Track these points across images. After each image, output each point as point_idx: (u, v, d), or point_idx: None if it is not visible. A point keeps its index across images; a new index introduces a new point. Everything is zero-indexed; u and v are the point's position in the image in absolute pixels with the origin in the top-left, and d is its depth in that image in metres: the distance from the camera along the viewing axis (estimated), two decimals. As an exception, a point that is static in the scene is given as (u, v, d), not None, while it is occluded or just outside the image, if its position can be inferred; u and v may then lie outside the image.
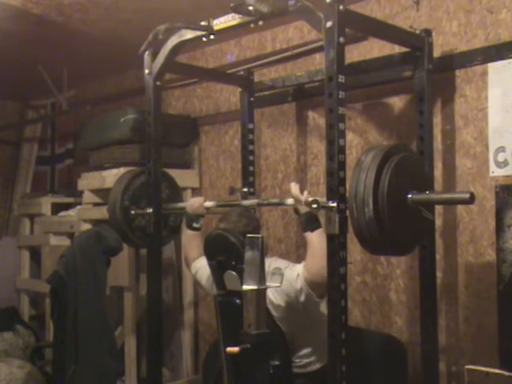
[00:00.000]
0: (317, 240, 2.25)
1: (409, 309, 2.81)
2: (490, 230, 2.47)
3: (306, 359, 2.47)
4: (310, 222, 2.29)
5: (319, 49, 3.04)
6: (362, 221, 1.93)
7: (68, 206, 4.24)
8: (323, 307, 2.40)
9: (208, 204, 2.84)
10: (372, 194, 1.91)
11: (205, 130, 3.84)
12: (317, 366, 2.47)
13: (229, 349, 2.12)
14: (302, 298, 2.32)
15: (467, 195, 1.97)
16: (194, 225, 2.85)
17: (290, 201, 2.39)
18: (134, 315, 3.50)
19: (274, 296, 2.36)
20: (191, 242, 2.87)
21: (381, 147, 2.03)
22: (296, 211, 2.39)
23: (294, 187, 2.34)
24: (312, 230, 2.28)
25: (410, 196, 2.02)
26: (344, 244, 2.01)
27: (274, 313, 2.38)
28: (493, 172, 2.52)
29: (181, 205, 2.98)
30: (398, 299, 2.87)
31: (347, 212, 1.99)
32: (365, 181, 1.93)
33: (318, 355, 2.46)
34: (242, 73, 3.29)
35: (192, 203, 2.85)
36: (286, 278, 2.17)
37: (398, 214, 1.99)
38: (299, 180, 3.26)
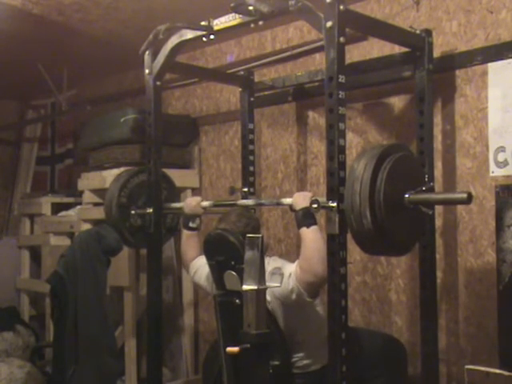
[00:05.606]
0: (311, 237, 2.22)
1: (409, 309, 2.81)
2: (490, 229, 2.47)
3: (305, 360, 2.47)
4: (305, 217, 2.25)
5: (319, 49, 3.04)
6: (362, 232, 1.93)
7: (68, 206, 4.24)
8: (319, 308, 2.41)
9: (205, 203, 2.84)
10: (369, 207, 1.89)
11: (205, 129, 3.84)
12: (317, 366, 2.46)
13: (229, 349, 2.11)
14: (293, 297, 2.30)
15: (465, 195, 1.96)
16: (191, 224, 2.85)
17: (287, 201, 2.39)
18: (134, 315, 3.49)
19: (268, 294, 2.35)
20: (188, 241, 2.87)
21: (371, 152, 2.00)
22: (292, 208, 2.37)
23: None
24: (307, 226, 2.24)
25: (407, 196, 2.01)
26: (344, 244, 2.01)
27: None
28: (493, 172, 2.52)
29: (178, 205, 2.98)
30: (398, 299, 2.87)
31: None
32: (360, 192, 1.91)
33: (317, 355, 2.45)
34: (241, 73, 3.29)
35: (189, 202, 2.86)
36: None
37: (397, 217, 1.98)
38: (299, 180, 3.26)
